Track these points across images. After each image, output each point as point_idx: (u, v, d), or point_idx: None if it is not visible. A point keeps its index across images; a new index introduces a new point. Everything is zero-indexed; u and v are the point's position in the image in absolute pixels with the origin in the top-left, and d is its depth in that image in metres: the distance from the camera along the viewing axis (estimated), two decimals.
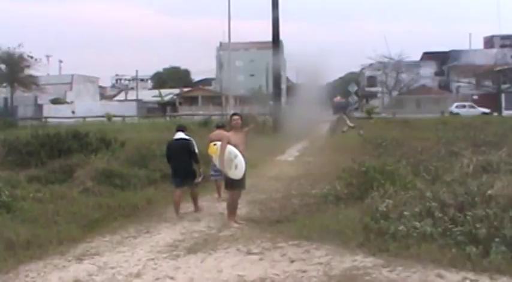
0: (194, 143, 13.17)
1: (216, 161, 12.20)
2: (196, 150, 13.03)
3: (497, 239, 7.95)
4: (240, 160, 11.42)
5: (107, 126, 37.74)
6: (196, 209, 13.10)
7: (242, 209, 12.56)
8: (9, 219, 10.94)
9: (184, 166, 12.88)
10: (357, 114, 61.92)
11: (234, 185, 11.54)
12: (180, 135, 13.27)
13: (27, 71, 71.51)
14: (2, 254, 9.17)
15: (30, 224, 10.79)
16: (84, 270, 8.57)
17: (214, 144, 12.30)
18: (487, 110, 61.44)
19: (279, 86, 41.92)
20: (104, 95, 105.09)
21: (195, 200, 13.14)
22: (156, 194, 14.58)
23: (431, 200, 9.50)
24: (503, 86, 69.25)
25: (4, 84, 72.23)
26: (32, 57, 71.19)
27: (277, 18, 40.33)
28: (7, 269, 8.58)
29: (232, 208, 11.67)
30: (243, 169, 11.48)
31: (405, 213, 9.18)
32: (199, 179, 13.02)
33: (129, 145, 19.87)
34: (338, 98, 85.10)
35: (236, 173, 11.44)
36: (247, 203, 13.51)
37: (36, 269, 8.64)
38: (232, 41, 57.04)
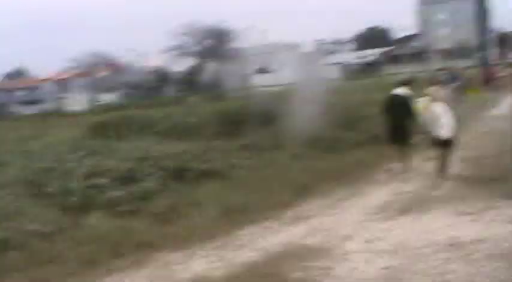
0: (413, 99, 12.72)
1: (422, 119, 11.88)
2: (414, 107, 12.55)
3: None
4: (448, 118, 11.01)
5: None
6: (407, 168, 12.75)
7: (453, 168, 12.09)
8: (224, 186, 11.44)
9: (401, 122, 12.61)
10: None
11: (443, 144, 11.18)
12: (400, 90, 13.03)
13: (232, 44, 74.26)
14: (220, 218, 9.63)
15: (245, 190, 11.17)
16: (298, 233, 8.77)
17: (418, 101, 11.97)
18: None
19: (484, 37, 39.93)
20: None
21: (407, 159, 12.84)
22: (364, 156, 14.41)
23: None
24: None
25: (211, 59, 75.55)
26: (235, 31, 73.87)
27: None
28: (225, 233, 9.00)
29: (443, 167, 11.33)
30: (452, 128, 11.07)
31: None
32: (416, 137, 12.78)
33: (335, 108, 19.87)
34: None
35: (444, 132, 11.06)
36: (459, 161, 12.90)
37: (251, 233, 8.98)
38: None
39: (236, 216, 9.77)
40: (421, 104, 11.87)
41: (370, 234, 8.34)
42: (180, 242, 8.63)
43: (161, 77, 78.25)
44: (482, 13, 40.50)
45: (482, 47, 40.24)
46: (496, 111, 23.85)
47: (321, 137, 15.51)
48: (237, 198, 10.46)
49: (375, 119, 16.80)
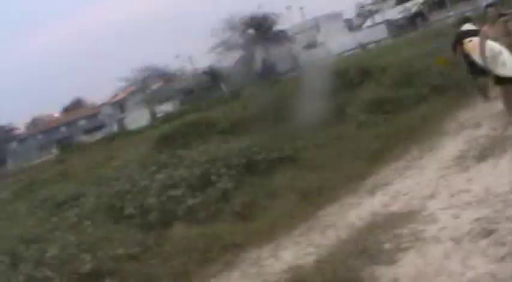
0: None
1: (477, 58, 11.47)
2: None
3: None
4: (507, 55, 10.57)
5: (363, 57, 37.62)
6: (487, 99, 13.13)
7: None
8: (297, 171, 11.38)
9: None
10: None
11: (506, 80, 10.75)
12: (468, 26, 13.16)
13: (275, 28, 74.15)
14: (299, 204, 9.57)
15: (317, 170, 11.11)
16: (379, 202, 8.63)
17: (470, 41, 11.56)
18: None
19: None
20: (352, 27, 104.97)
21: (485, 91, 13.25)
22: (429, 110, 14.07)
23: None
24: None
25: (259, 47, 75.55)
26: (274, 14, 73.71)
27: None
28: (307, 217, 8.93)
29: (510, 105, 10.91)
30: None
31: None
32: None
33: (390, 69, 19.53)
34: None
35: (505, 70, 10.63)
36: None
37: (333, 212, 8.88)
38: None
39: (314, 198, 9.70)
40: (471, 43, 11.50)
41: (452, 188, 8.10)
42: (265, 236, 8.59)
43: (213, 76, 78.64)
44: None
45: None
46: None
47: (382, 99, 15.26)
48: (311, 180, 10.39)
49: (431, 70, 16.52)
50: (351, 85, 18.00)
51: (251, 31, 75.12)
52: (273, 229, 8.75)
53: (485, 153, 9.22)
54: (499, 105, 11.59)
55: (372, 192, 9.29)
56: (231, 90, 60.09)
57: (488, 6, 11.44)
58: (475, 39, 11.34)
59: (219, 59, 77.36)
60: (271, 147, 12.59)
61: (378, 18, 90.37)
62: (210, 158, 12.38)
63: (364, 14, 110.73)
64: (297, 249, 7.80)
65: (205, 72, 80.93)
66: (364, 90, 16.60)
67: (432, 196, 8.05)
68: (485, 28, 11.04)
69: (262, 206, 9.89)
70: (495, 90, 11.87)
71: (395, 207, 8.14)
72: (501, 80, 10.76)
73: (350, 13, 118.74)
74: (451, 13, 59.95)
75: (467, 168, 8.80)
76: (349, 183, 10.06)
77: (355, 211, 8.57)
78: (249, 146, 12.77)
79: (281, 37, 76.07)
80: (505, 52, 10.56)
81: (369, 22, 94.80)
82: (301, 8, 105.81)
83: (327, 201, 9.45)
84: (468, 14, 18.62)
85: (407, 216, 7.52)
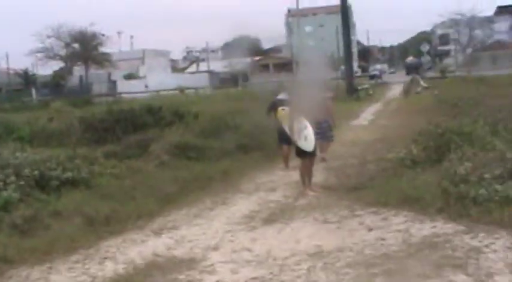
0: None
1: (286, 127, 12.10)
2: None
3: None
4: (310, 132, 11.24)
5: (179, 99, 38.05)
6: (287, 167, 14.01)
7: (318, 176, 12.41)
8: (88, 196, 11.10)
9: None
10: (430, 74, 60.61)
11: (306, 153, 11.40)
12: (283, 95, 13.85)
13: (100, 49, 73.08)
14: (83, 230, 9.32)
15: (109, 200, 10.88)
16: (163, 244, 8.62)
17: (283, 109, 12.17)
18: None
19: (349, 50, 41.31)
20: (175, 68, 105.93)
21: (287, 159, 14.04)
22: (231, 165, 14.43)
23: None
24: None
25: (78, 63, 73.92)
26: (103, 35, 72.78)
27: None
28: (88, 245, 8.71)
29: (306, 176, 11.55)
30: (313, 142, 11.32)
31: (486, 176, 8.82)
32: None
33: (202, 117, 19.91)
34: (410, 59, 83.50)
35: (306, 145, 11.28)
36: (323, 170, 13.37)
37: (116, 244, 8.73)
38: (300, 6, 56.43)
39: (100, 226, 9.49)
40: (283, 112, 12.11)
41: (236, 244, 8.34)
42: (40, 255, 8.23)
43: (26, 80, 75.56)
44: (346, 27, 41.82)
45: (346, 59, 41.61)
46: (360, 121, 24.81)
47: (188, 145, 15.44)
48: (101, 208, 10.15)
49: (242, 128, 17.06)
50: (161, 124, 18.07)
51: (76, 45, 73.37)
52: (50, 250, 8.40)
53: (273, 217, 9.64)
54: (295, 175, 12.19)
55: (158, 233, 9.28)
56: (39, 99, 58.00)
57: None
58: (287, 109, 11.92)
59: (36, 64, 74.70)
60: (68, 166, 12.20)
61: (203, 66, 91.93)
62: (1, 164, 11.74)
63: (191, 59, 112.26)
64: (70, 275, 7.54)
65: (18, 74, 77.56)
66: (173, 132, 16.70)
67: (216, 248, 8.21)
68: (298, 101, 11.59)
69: (45, 223, 9.46)
70: (295, 161, 12.48)
71: (178, 252, 8.18)
72: (302, 153, 11.41)
73: (178, 54, 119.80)
74: (274, 79, 62.31)
75: (253, 228, 9.11)
76: (137, 219, 9.97)
77: (138, 248, 8.49)
78: (45, 159, 12.27)
79: (104, 59, 74.97)
80: (309, 128, 11.21)
81: (193, 68, 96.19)
82: (132, 37, 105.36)
83: (112, 232, 9.28)
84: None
85: (188, 263, 7.60)
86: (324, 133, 14.56)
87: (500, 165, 9.13)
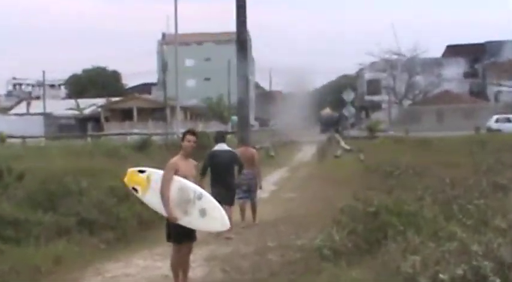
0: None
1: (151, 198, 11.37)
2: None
3: None
4: (212, 204, 10.67)
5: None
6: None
7: (197, 270, 12.14)
8: None
9: (232, 180, 16.17)
10: (354, 132, 61.99)
11: (180, 236, 10.75)
12: (224, 146, 16.35)
13: None
14: None
15: None
16: None
17: (142, 172, 11.40)
18: None
19: (246, 94, 41.46)
20: None
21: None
22: (68, 250, 13.85)
23: (479, 256, 8.93)
24: None
25: None
26: None
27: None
28: None
29: (179, 269, 11.00)
30: (220, 217, 10.76)
31: (442, 276, 8.61)
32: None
33: (30, 177, 19.17)
34: (327, 111, 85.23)
35: (204, 223, 10.69)
36: (205, 261, 13.15)
37: None
38: (179, 31, 56.43)
39: None
40: (144, 175, 11.63)
41: None
42: None
43: None
44: (243, 63, 41.63)
45: (241, 107, 41.59)
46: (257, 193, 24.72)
47: (3, 219, 14.62)
48: None
49: (89, 195, 16.56)
50: None
51: None
52: None
53: None
54: (164, 267, 11.74)
55: None
56: None
57: (188, 132, 11.37)
58: (150, 170, 11.34)
59: None
60: None
61: (37, 106, 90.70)
62: None
63: (19, 95, 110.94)
64: None
65: None
66: None
67: None
68: (175, 160, 11.03)
69: None
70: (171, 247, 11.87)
71: None
72: (176, 234, 10.73)
73: (1, 88, 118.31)
74: (137, 130, 62.20)
75: None
76: None
77: None
78: None
79: None
80: (208, 199, 10.66)
81: (22, 108, 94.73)
82: None
83: None
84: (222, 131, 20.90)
85: None
86: (248, 190, 17.49)
87: (461, 261, 8.91)
